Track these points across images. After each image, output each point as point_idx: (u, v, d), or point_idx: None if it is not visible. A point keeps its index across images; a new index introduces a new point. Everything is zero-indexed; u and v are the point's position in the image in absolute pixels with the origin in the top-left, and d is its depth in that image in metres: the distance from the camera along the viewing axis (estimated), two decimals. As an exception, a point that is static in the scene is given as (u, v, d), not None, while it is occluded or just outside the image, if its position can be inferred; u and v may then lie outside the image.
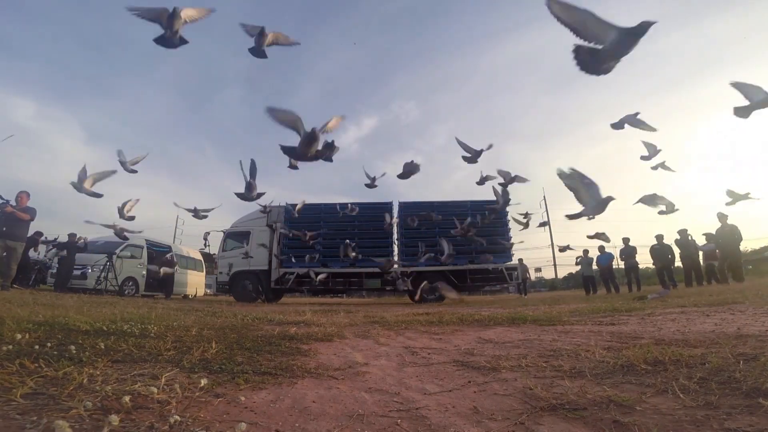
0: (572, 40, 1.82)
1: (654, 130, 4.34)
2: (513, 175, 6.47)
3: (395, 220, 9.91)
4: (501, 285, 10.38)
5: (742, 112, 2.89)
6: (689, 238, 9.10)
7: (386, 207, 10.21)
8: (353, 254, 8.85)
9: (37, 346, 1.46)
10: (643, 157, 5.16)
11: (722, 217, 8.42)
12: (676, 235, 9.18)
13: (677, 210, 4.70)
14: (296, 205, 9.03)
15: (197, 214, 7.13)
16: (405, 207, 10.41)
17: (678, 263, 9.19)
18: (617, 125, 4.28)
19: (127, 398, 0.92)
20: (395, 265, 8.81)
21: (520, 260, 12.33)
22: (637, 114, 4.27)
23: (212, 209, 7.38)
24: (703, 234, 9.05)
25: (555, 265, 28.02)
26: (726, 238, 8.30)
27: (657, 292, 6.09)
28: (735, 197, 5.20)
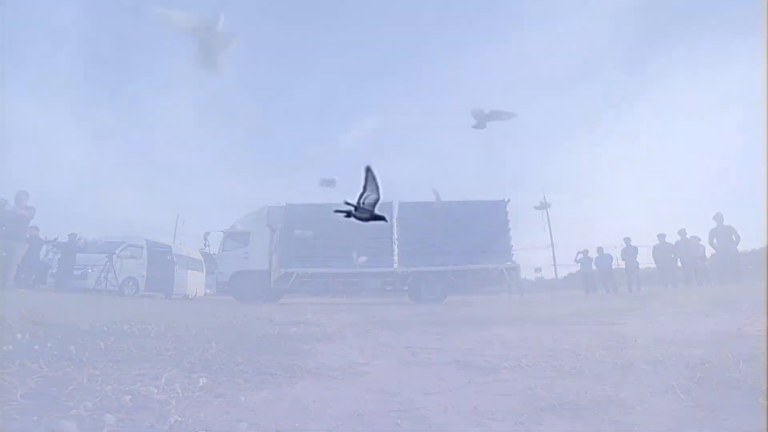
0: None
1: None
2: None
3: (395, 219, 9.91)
4: (501, 285, 10.34)
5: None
6: (689, 238, 9.10)
7: (387, 207, 10.20)
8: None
9: (37, 346, 1.45)
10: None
11: (718, 217, 8.41)
12: (677, 235, 9.18)
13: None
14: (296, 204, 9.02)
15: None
16: (405, 207, 10.38)
17: (679, 263, 9.18)
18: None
19: (127, 398, 0.92)
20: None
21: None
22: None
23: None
24: (693, 236, 9.05)
25: (555, 265, 27.98)
26: (722, 238, 8.29)
27: (659, 291, 6.10)
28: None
